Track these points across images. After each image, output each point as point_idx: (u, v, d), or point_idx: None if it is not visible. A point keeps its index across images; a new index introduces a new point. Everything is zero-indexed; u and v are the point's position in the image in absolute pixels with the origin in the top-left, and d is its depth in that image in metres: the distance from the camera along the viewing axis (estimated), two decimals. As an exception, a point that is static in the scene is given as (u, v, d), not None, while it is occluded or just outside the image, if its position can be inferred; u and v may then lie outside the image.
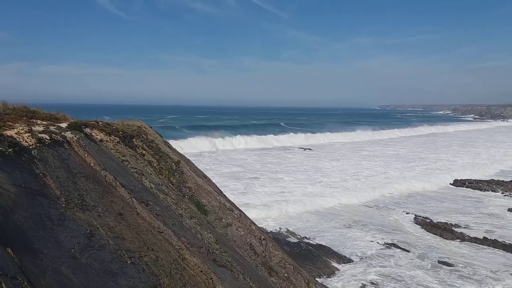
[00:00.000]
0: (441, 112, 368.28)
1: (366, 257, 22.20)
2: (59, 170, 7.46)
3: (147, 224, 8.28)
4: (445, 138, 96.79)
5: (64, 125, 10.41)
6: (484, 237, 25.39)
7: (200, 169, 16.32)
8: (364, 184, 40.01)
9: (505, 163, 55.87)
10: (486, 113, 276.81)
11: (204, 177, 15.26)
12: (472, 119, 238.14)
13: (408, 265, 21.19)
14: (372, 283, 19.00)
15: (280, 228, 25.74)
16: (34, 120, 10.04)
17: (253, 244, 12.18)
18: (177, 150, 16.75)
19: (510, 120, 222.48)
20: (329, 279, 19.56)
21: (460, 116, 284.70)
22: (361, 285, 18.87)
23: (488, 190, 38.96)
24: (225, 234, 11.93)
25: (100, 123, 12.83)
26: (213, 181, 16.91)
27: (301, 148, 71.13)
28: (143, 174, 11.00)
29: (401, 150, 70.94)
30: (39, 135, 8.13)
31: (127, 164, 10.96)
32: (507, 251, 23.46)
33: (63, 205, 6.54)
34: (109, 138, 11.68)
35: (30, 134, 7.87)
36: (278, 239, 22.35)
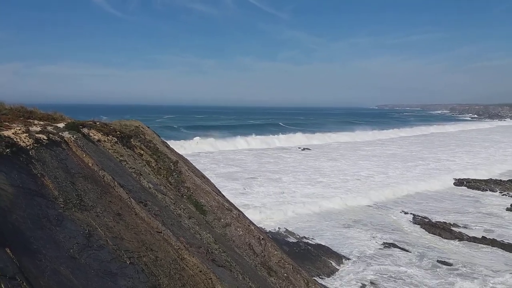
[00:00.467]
0: (439, 112, 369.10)
1: (365, 256, 22.22)
2: (57, 170, 7.43)
3: (145, 224, 8.27)
4: (443, 138, 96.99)
5: (61, 125, 10.38)
6: (483, 236, 25.45)
7: (198, 169, 16.30)
8: (365, 184, 40.01)
9: (506, 162, 55.81)
10: (484, 112, 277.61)
11: (203, 177, 15.24)
12: (469, 118, 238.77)
13: (407, 264, 21.21)
14: (372, 283, 19.02)
15: (279, 228, 25.75)
16: (31, 120, 10.01)
17: (252, 244, 12.17)
18: (175, 150, 16.72)
19: (507, 119, 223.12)
20: (328, 279, 19.57)
21: (457, 115, 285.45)
22: (361, 284, 18.88)
23: (486, 190, 39.04)
24: (224, 234, 11.92)
25: (98, 123, 12.80)
26: (211, 181, 16.89)
27: (299, 148, 71.15)
28: (141, 174, 10.98)
29: (400, 150, 71.04)
30: (36, 135, 8.10)
31: (125, 164, 10.93)
32: (506, 250, 23.52)
33: (62, 206, 6.52)
34: (107, 138, 11.65)
35: (27, 135, 7.84)
36: (277, 239, 22.35)
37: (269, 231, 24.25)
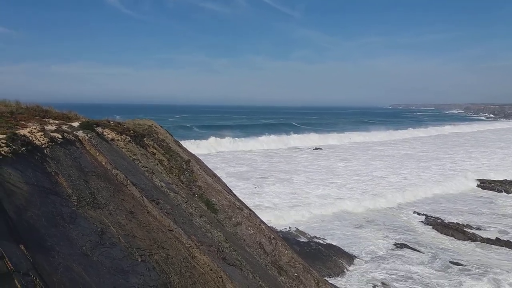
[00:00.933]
0: (454, 111, 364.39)
1: (376, 257, 22.10)
2: (71, 168, 7.55)
3: (157, 222, 8.35)
4: (458, 138, 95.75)
5: (76, 124, 10.53)
6: (496, 237, 25.10)
7: (209, 168, 16.38)
8: (379, 185, 39.32)
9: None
10: (499, 112, 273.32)
11: (214, 176, 15.32)
12: (485, 118, 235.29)
13: (419, 265, 21.04)
14: (383, 283, 18.92)
15: (290, 228, 25.73)
16: (47, 119, 10.17)
17: (263, 243, 12.21)
18: (188, 149, 16.83)
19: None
20: (339, 278, 19.51)
21: (472, 115, 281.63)
22: (372, 285, 18.79)
23: (501, 191, 38.48)
24: (235, 232, 11.98)
25: (112, 122, 12.95)
26: (223, 180, 16.96)
27: (311, 148, 70.92)
28: (153, 173, 11.09)
29: (414, 150, 70.34)
30: (51, 134, 8.24)
31: (138, 163, 11.05)
32: (520, 252, 23.18)
33: (75, 203, 6.63)
34: (121, 137, 11.79)
35: (42, 133, 7.98)
36: (287, 238, 22.33)
37: (280, 231, 24.25)
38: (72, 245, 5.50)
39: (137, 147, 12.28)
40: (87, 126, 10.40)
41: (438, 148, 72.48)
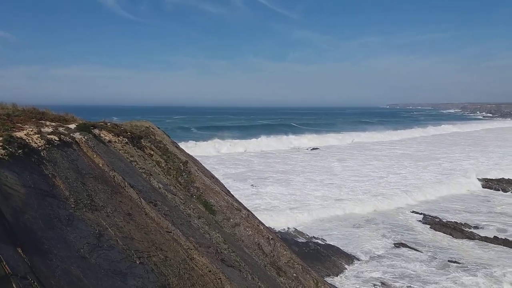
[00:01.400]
0: (452, 111, 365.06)
1: (375, 256, 22.11)
2: (68, 171, 7.52)
3: (155, 224, 8.33)
4: (456, 137, 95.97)
5: (72, 126, 10.51)
6: (494, 236, 25.16)
7: (207, 169, 16.36)
8: (380, 185, 39.14)
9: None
10: (496, 111, 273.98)
11: (212, 177, 15.30)
12: (482, 117, 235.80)
13: (417, 264, 21.07)
14: (382, 283, 18.93)
15: (288, 228, 25.71)
16: (43, 122, 10.14)
17: (261, 244, 12.19)
18: (185, 151, 16.81)
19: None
20: (337, 278, 19.51)
21: (469, 114, 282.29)
22: (371, 284, 18.80)
23: (498, 189, 38.58)
24: (233, 234, 11.96)
25: (109, 124, 12.92)
26: (220, 182, 16.95)
27: (309, 148, 70.92)
28: (151, 175, 11.06)
29: (412, 150, 70.37)
30: (48, 136, 8.21)
31: (136, 165, 11.02)
32: (518, 250, 23.24)
33: (72, 206, 6.60)
34: (118, 139, 11.76)
35: (39, 135, 7.95)
36: (286, 239, 22.33)
37: (278, 231, 24.24)
38: (69, 247, 5.48)
39: (135, 149, 12.26)
40: (84, 128, 10.38)
41: (435, 148, 72.61)
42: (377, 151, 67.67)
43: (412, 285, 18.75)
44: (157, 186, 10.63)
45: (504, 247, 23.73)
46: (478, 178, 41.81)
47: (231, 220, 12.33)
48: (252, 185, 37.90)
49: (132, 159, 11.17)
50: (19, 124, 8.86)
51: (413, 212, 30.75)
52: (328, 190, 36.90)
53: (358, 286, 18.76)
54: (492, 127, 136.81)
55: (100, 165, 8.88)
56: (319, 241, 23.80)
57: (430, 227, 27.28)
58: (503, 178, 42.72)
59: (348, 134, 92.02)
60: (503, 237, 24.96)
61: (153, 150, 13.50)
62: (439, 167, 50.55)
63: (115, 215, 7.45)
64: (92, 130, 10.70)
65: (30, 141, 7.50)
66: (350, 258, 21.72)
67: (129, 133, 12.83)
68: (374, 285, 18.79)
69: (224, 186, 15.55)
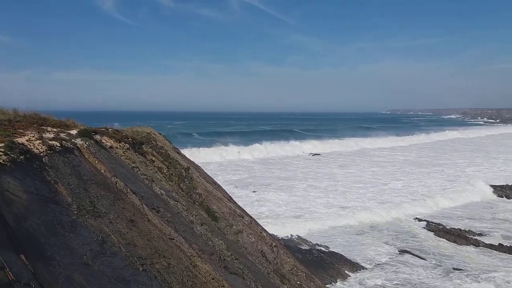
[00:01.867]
0: (453, 116, 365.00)
1: (379, 264, 21.99)
2: (70, 177, 7.48)
3: (158, 230, 8.27)
4: (458, 143, 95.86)
5: (74, 132, 10.48)
6: (499, 243, 25.03)
7: (209, 175, 16.32)
8: (385, 192, 38.84)
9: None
10: (497, 116, 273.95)
11: (214, 183, 15.24)
12: (483, 123, 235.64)
13: (421, 272, 20.94)
14: (385, 291, 18.81)
15: (291, 235, 25.60)
16: (45, 127, 10.12)
17: (265, 251, 12.11)
18: (187, 157, 16.77)
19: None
20: (341, 286, 19.39)
21: (470, 120, 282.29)
22: (374, 292, 18.68)
23: (502, 196, 38.44)
24: (236, 240, 11.89)
25: (110, 129, 12.90)
26: (223, 188, 16.89)
27: (311, 154, 70.83)
28: (153, 181, 11.02)
29: (414, 156, 70.21)
30: (49, 142, 8.18)
31: (137, 171, 10.98)
32: (523, 258, 23.10)
33: (75, 212, 6.56)
34: (119, 145, 11.73)
35: (40, 141, 7.92)
36: (289, 246, 22.22)
37: (282, 238, 24.13)
38: (72, 254, 5.43)
39: (136, 155, 12.22)
40: (85, 133, 10.35)
41: (438, 154, 72.50)
42: (379, 157, 67.59)
43: (416, 293, 18.64)
44: (159, 192, 10.58)
45: (509, 255, 23.60)
46: (486, 185, 41.10)
47: (234, 226, 12.27)
48: (254, 191, 37.79)
49: (133, 165, 11.13)
50: (20, 130, 8.84)
51: (416, 219, 30.61)
52: (333, 197, 36.61)
53: (361, 294, 18.64)
54: (494, 133, 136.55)
55: (102, 171, 8.85)
56: (323, 248, 23.69)
57: (434, 234, 27.17)
58: (507, 184, 42.56)
59: (350, 140, 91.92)
60: (508, 244, 24.83)
61: (154, 156, 13.46)
62: (443, 173, 50.37)
63: (118, 221, 7.40)
64: (94, 136, 10.67)
65: (32, 147, 7.47)
66: (354, 266, 21.60)
67: (130, 139, 12.80)
68: (378, 292, 18.68)
69: (226, 192, 15.50)
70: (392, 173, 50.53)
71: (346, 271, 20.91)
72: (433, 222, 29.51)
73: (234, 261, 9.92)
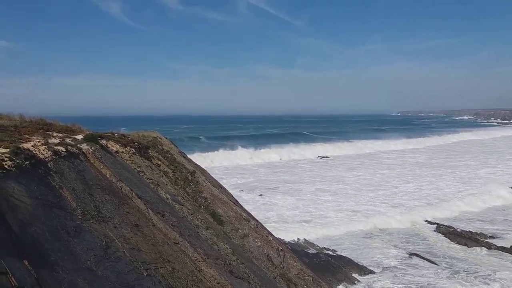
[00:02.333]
0: (466, 117, 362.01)
1: (388, 267, 21.88)
2: (75, 182, 7.59)
3: (163, 235, 8.35)
4: (471, 145, 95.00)
5: (79, 137, 10.62)
6: (511, 246, 24.78)
7: (215, 179, 16.39)
8: (397, 196, 38.31)
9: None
10: (510, 117, 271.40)
11: (220, 187, 15.32)
12: (496, 124, 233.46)
13: (432, 275, 20.79)
14: (395, 295, 18.71)
15: (298, 239, 25.57)
16: (50, 133, 10.27)
17: (271, 255, 12.15)
18: (193, 161, 16.87)
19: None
20: (349, 291, 19.33)
21: (482, 121, 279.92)
22: (383, 297, 18.59)
23: (514, 198, 38.02)
24: (242, 245, 11.94)
25: (116, 134, 13.05)
26: (229, 191, 16.96)
27: (319, 157, 70.68)
28: (158, 185, 11.11)
29: (426, 158, 69.71)
30: (55, 147, 8.31)
31: (143, 175, 11.09)
32: (536, 261, 22.83)
33: (79, 217, 6.66)
34: (125, 149, 11.85)
35: (46, 147, 8.05)
36: (296, 250, 22.20)
37: (288, 242, 24.11)
38: (76, 259, 5.51)
39: (142, 159, 12.34)
40: (91, 138, 10.48)
41: (450, 156, 71.94)
42: (389, 159, 67.26)
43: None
44: (164, 196, 10.67)
45: (522, 258, 23.35)
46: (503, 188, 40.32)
47: (240, 230, 12.32)
48: (260, 195, 37.83)
49: (139, 169, 11.24)
50: (26, 136, 8.98)
51: (426, 221, 30.39)
52: (342, 200, 36.35)
53: (370, 298, 18.56)
54: (508, 134, 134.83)
55: (108, 176, 8.95)
56: (330, 252, 23.63)
57: (444, 236, 26.96)
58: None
59: (359, 142, 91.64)
60: (520, 247, 24.58)
61: (160, 160, 13.57)
62: (455, 175, 49.87)
63: (122, 226, 7.49)
64: (99, 141, 10.80)
65: (37, 152, 7.60)
66: (362, 269, 21.51)
67: (136, 144, 12.93)
68: (387, 297, 18.59)
69: (232, 196, 15.56)
70: (403, 175, 50.23)
71: (354, 275, 20.83)
72: (443, 225, 29.28)
73: (240, 265, 9.97)
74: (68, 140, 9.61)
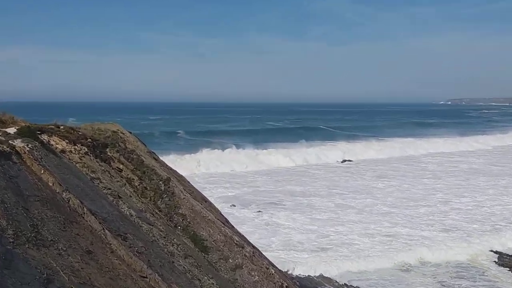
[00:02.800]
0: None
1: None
2: (5, 192, 7.58)
3: (125, 265, 8.35)
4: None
5: (12, 130, 10.60)
6: None
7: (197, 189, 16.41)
8: (447, 216, 37.63)
9: None
10: None
11: (204, 200, 15.34)
12: None
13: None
14: None
15: (313, 273, 25.47)
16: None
17: (272, 294, 12.18)
18: (167, 164, 16.87)
19: None
20: None
21: None
22: None
23: None
24: (233, 279, 11.96)
25: (62, 127, 13.02)
26: (216, 207, 16.97)
27: (339, 161, 70.68)
28: (120, 197, 11.11)
29: (484, 163, 69.46)
30: (-22, 144, 8.29)
31: (99, 184, 11.08)
32: None
33: (11, 240, 6.63)
34: (74, 148, 11.84)
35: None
36: (307, 286, 22.25)
37: (297, 277, 24.15)
38: (6, 298, 5.50)
39: (97, 161, 12.33)
40: (27, 133, 10.46)
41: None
42: (433, 164, 67.32)
43: None
44: (127, 213, 10.68)
45: None
46: None
47: (231, 260, 12.34)
48: (258, 211, 37.78)
49: (93, 175, 11.23)
50: None
51: (492, 251, 30.20)
52: (372, 221, 35.80)
53: None
54: None
55: (50, 184, 8.94)
56: (353, 290, 23.70)
57: (508, 270, 27.03)
58: None
59: (393, 141, 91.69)
60: None
61: (122, 164, 13.57)
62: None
63: (70, 253, 7.48)
64: (39, 136, 10.79)
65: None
66: (397, 314, 21.59)
67: (89, 140, 12.92)
68: None
69: (220, 214, 15.59)
70: (453, 187, 50.10)
71: (386, 322, 20.92)
72: (507, 254, 29.32)
73: (230, 307, 10.01)
74: (-4, 135, 9.59)
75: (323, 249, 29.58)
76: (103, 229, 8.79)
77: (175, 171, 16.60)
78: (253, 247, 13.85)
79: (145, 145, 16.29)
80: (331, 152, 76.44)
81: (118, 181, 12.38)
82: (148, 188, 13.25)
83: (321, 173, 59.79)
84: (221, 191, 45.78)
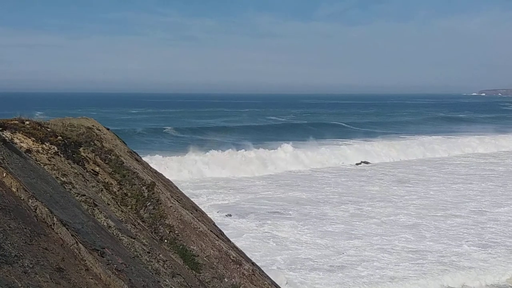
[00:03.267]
0: None
1: None
2: (-39, 198, 7.58)
3: (102, 285, 8.36)
4: None
5: (-31, 126, 10.60)
6: None
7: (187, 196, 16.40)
8: (485, 229, 37.19)
9: None
10: None
11: (195, 209, 15.33)
12: None
13: None
14: None
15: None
16: None
17: (275, 319, 12.20)
18: (151, 166, 16.87)
19: None
20: None
21: None
22: None
23: None
24: (229, 302, 11.96)
25: (28, 123, 13.01)
26: (209, 216, 16.97)
27: (353, 164, 70.63)
28: (96, 205, 11.11)
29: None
30: None
31: (71, 189, 11.08)
32: None
33: (-32, 256, 6.64)
34: (42, 147, 11.84)
35: None
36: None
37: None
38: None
39: (69, 163, 12.33)
40: (-14, 129, 10.46)
41: None
42: (465, 167, 67.30)
43: None
44: (105, 223, 10.68)
45: None
46: None
47: (226, 279, 12.35)
48: (259, 222, 37.77)
49: (65, 179, 11.23)
50: None
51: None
52: (394, 234, 35.39)
53: None
54: None
55: (14, 190, 8.94)
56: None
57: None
58: None
59: (416, 139, 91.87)
60: None
61: (99, 166, 13.57)
62: None
63: (37, 271, 7.48)
64: (1, 133, 10.78)
65: None
66: None
67: (60, 138, 12.91)
68: None
69: (214, 225, 15.59)
70: (490, 193, 49.98)
71: None
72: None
73: (225, 335, 10.01)
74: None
75: (337, 267, 29.30)
76: (76, 242, 8.79)
77: (161, 174, 16.59)
78: (253, 264, 13.86)
79: (125, 144, 16.27)
80: (344, 153, 76.43)
81: (93, 186, 12.37)
82: (129, 194, 13.23)
83: (332, 177, 59.79)
84: (214, 198, 45.78)
